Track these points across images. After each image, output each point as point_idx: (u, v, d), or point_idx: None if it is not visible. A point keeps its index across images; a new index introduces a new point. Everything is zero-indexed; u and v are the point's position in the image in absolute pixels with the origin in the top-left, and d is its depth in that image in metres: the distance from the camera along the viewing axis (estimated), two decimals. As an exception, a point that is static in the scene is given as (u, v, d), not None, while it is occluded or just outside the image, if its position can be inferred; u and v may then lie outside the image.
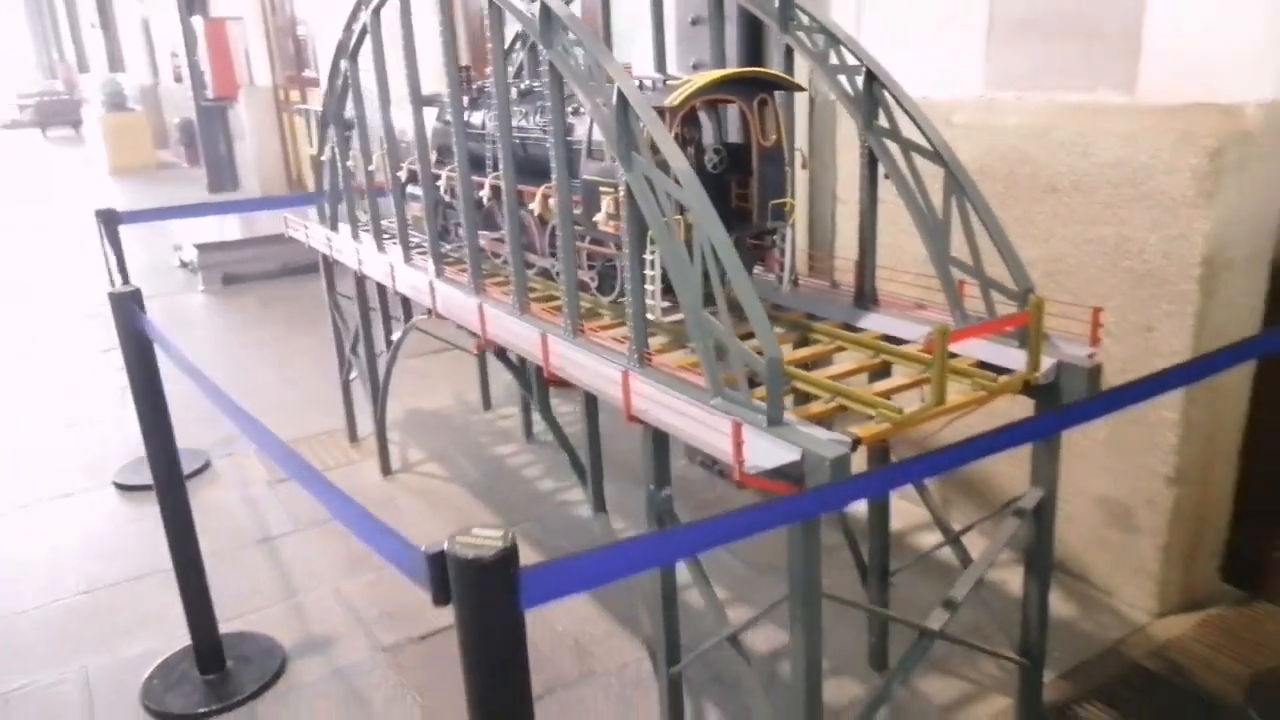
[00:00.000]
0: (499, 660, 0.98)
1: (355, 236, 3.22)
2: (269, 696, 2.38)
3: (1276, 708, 2.07)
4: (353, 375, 3.86)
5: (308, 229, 3.57)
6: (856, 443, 1.45)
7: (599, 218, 1.95)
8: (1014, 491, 1.97)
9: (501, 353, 2.50)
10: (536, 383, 2.53)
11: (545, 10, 1.80)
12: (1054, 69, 2.46)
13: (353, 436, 3.92)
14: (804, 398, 1.75)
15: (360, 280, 3.42)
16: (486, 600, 0.96)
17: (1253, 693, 2.14)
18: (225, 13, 10.22)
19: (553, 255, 2.34)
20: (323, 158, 3.29)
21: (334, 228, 3.37)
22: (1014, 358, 1.73)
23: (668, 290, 1.85)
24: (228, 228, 7.17)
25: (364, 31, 2.74)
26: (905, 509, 2.86)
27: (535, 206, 2.18)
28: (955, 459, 1.35)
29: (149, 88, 15.19)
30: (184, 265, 7.14)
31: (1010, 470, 2.67)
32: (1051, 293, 2.22)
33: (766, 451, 1.43)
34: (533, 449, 3.82)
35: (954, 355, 1.77)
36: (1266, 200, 2.24)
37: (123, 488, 3.60)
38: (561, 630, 2.54)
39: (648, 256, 1.77)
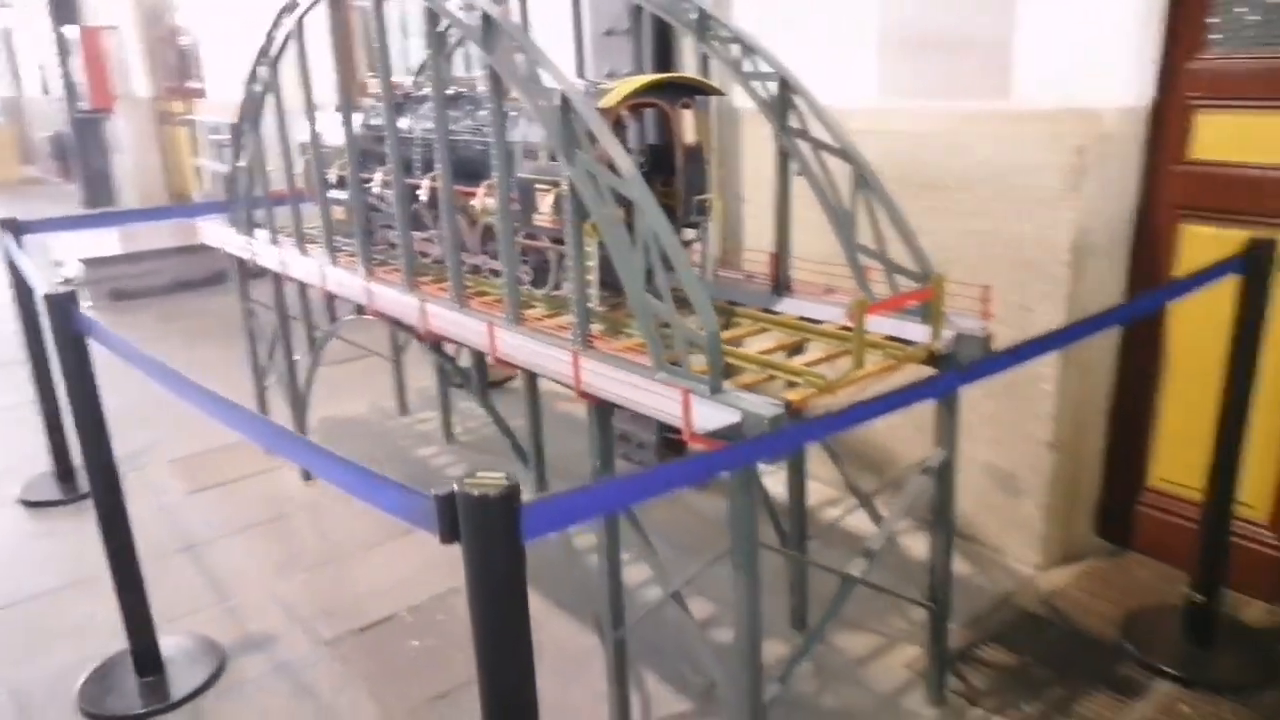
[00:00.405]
0: (503, 589, 1.10)
1: (274, 241, 3.25)
2: (212, 694, 2.40)
3: (1146, 640, 2.36)
4: (268, 383, 3.86)
5: (222, 236, 3.56)
6: (788, 405, 1.62)
7: (542, 214, 2.08)
8: (913, 487, 2.17)
9: (438, 349, 2.60)
10: (477, 374, 2.63)
11: (487, 19, 1.93)
12: (938, 80, 2.72)
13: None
14: (736, 373, 1.92)
15: (279, 286, 3.45)
16: (493, 534, 1.08)
17: (1126, 629, 2.42)
18: (100, 22, 9.86)
19: (485, 253, 2.46)
20: (240, 164, 3.31)
21: (251, 233, 3.38)
22: (919, 332, 1.94)
23: (602, 284, 2.00)
24: (110, 243, 6.90)
25: (288, 37, 2.80)
26: (817, 489, 3.07)
27: (478, 203, 2.29)
28: (872, 411, 1.54)
29: (11, 100, 14.44)
30: (67, 282, 6.86)
31: (913, 446, 2.92)
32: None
33: (711, 415, 1.58)
34: (454, 450, 3.89)
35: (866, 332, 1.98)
36: (1122, 192, 2.54)
37: (29, 504, 3.51)
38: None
39: (588, 248, 1.91)
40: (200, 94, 8.58)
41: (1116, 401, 2.74)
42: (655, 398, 1.66)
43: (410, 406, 4.30)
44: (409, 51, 5.44)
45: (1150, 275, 2.58)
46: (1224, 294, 2.14)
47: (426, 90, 2.68)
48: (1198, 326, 2.49)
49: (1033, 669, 2.30)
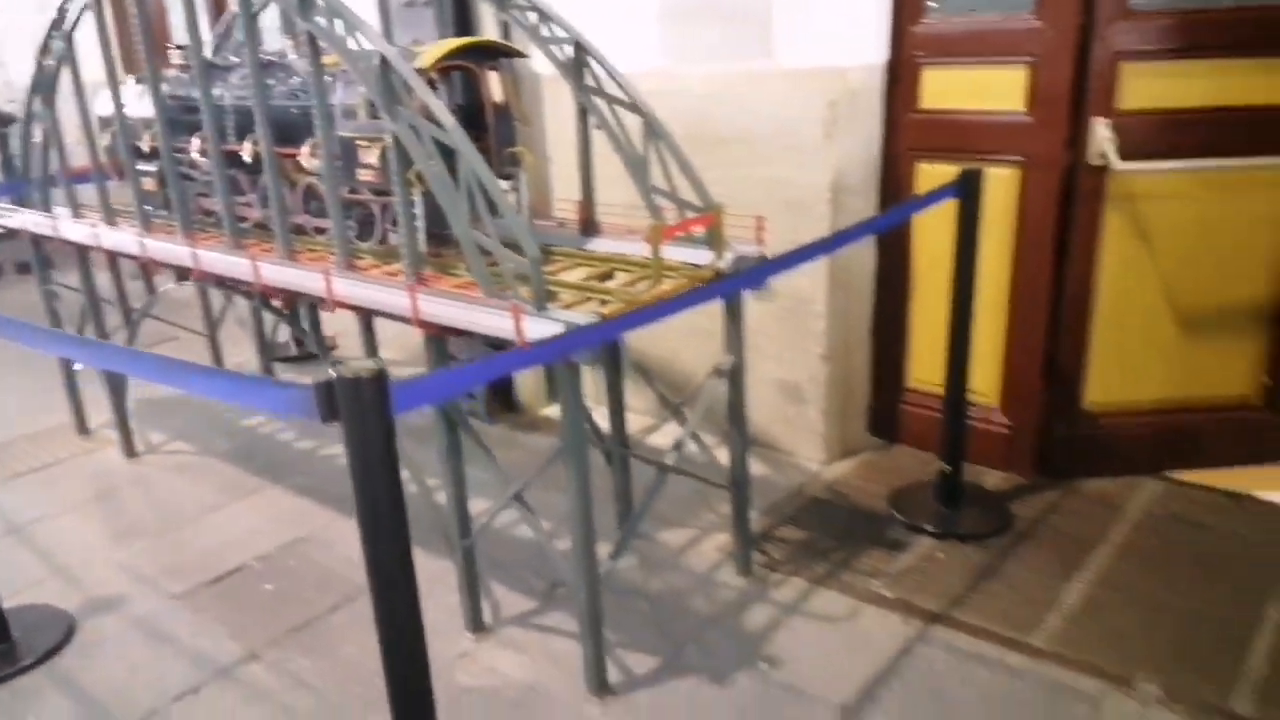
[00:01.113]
0: (379, 459, 1.33)
1: (76, 215, 3.22)
2: (68, 653, 2.45)
3: (908, 508, 2.85)
4: (77, 367, 3.78)
5: (18, 217, 3.46)
6: (602, 317, 1.92)
7: (366, 169, 2.26)
8: (712, 392, 2.53)
9: (266, 305, 2.71)
10: (313, 330, 2.76)
11: (302, -12, 2.09)
12: (713, 45, 3.09)
13: (82, 429, 3.83)
14: (556, 299, 2.20)
15: (85, 265, 3.41)
16: (367, 409, 1.30)
17: (893, 501, 2.91)
18: None
19: (307, 213, 2.60)
20: (34, 139, 3.24)
21: (49, 210, 3.32)
22: (707, 257, 2.29)
23: (428, 236, 2.22)
24: None
25: (84, 8, 2.80)
26: (635, 420, 3.40)
27: (306, 162, 2.44)
28: (667, 309, 1.87)
29: None
30: None
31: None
32: (727, 220, 2.84)
33: (539, 329, 1.85)
34: (284, 419, 3.96)
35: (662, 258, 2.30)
36: (870, 138, 3.00)
37: None
38: (353, 555, 2.81)
39: (414, 196, 2.13)
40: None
41: (876, 317, 3.23)
42: (490, 318, 1.91)
43: (231, 382, 4.30)
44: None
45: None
46: (950, 221, 2.61)
47: (232, 60, 2.79)
48: (933, 249, 2.98)
49: (820, 540, 2.74)
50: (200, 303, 4.31)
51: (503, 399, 3.79)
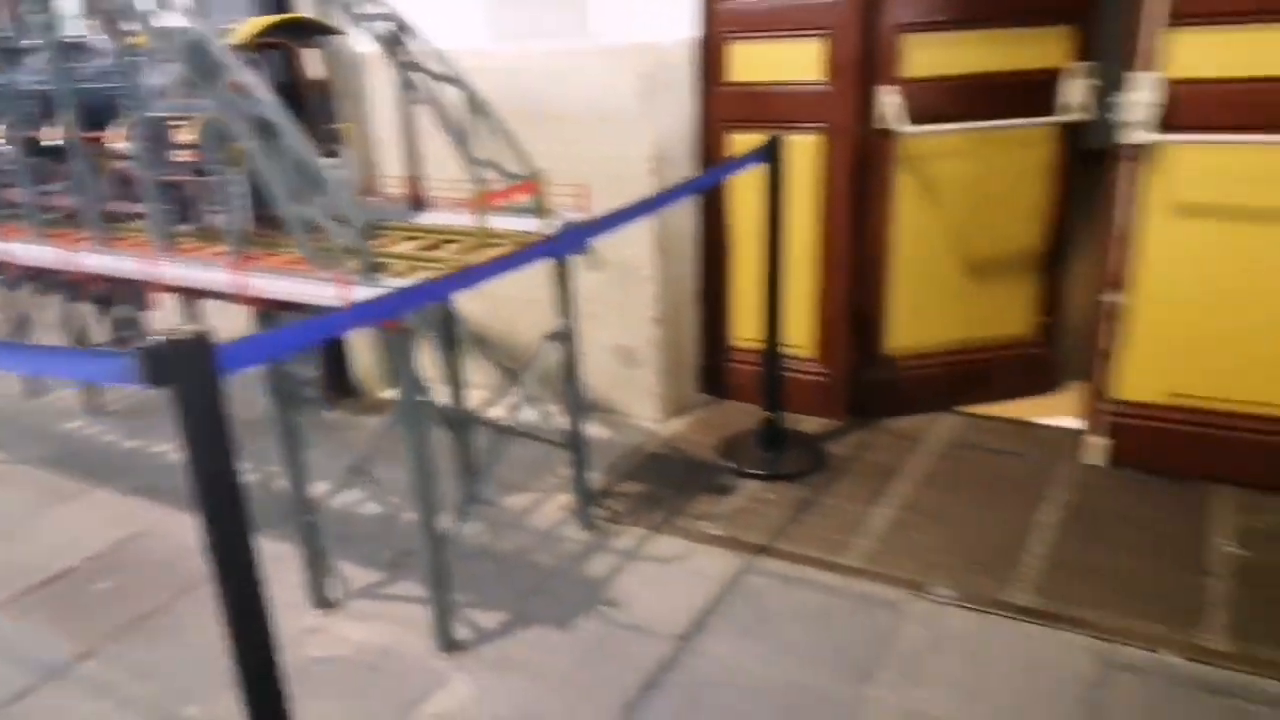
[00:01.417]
0: (209, 420, 1.37)
1: None
2: (-121, 668, 2.32)
3: (736, 455, 3.06)
4: None
5: None
6: (427, 281, 1.99)
7: (182, 148, 2.24)
8: (547, 358, 2.64)
9: (84, 299, 2.62)
10: (132, 327, 2.69)
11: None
12: (534, 23, 3.18)
13: None
14: (385, 270, 2.25)
15: None
16: (194, 372, 1.34)
17: (722, 451, 3.12)
18: None
19: (123, 198, 2.53)
20: None
21: None
22: (534, 225, 2.39)
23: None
24: None
25: None
26: (478, 395, 3.48)
27: (120, 146, 2.38)
28: (494, 270, 1.96)
29: None
30: None
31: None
32: (555, 191, 2.95)
33: (365, 295, 1.91)
34: (103, 421, 3.78)
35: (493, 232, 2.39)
36: (685, 112, 3.17)
37: None
38: (192, 543, 2.76)
39: (236, 176, 2.13)
40: None
41: (702, 280, 3.42)
42: (318, 289, 1.95)
43: (49, 385, 4.07)
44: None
45: (713, 177, 3.26)
46: (763, 188, 2.81)
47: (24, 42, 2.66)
48: (748, 215, 3.19)
49: (657, 492, 2.91)
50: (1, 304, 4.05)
51: (339, 384, 3.77)
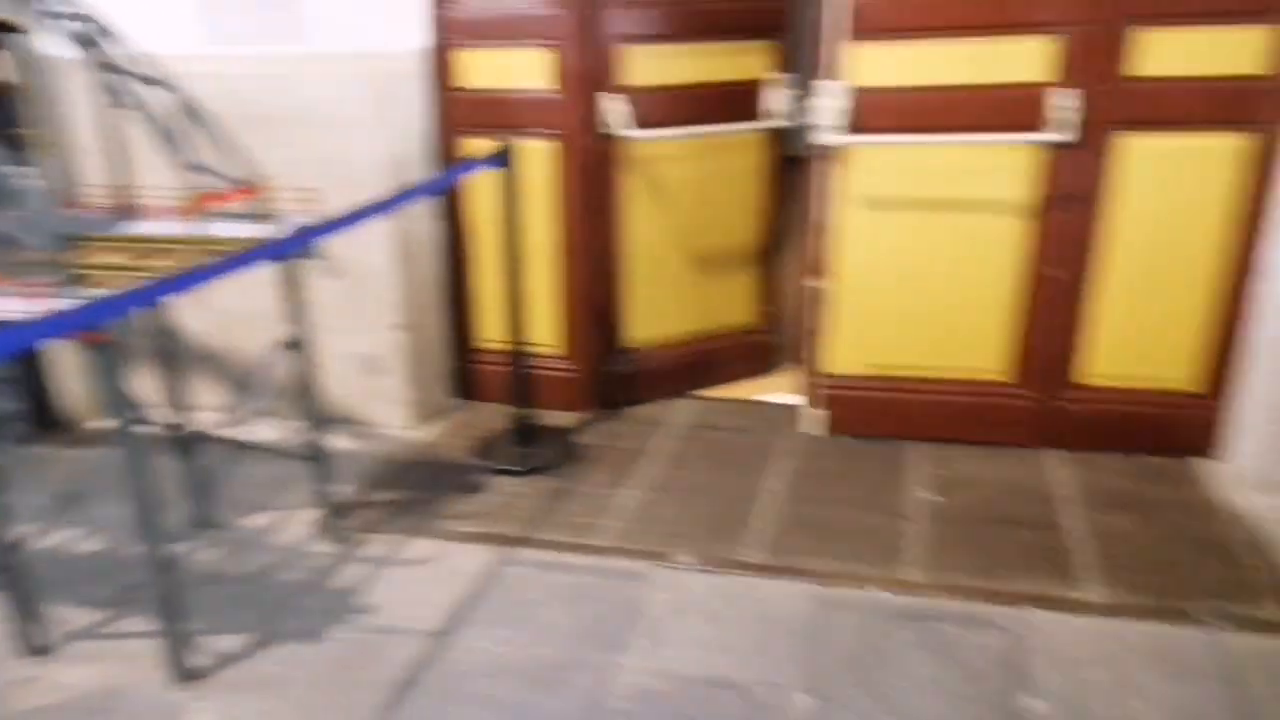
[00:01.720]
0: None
1: None
2: None
3: (489, 454, 3.10)
4: None
5: None
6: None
7: None
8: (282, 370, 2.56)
9: None
10: None
11: None
12: (250, 29, 3.06)
13: None
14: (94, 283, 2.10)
15: None
16: None
17: (476, 452, 3.15)
18: None
19: None
20: None
21: None
22: (257, 230, 2.32)
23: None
24: None
25: None
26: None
27: None
28: (215, 271, 1.89)
29: None
30: None
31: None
32: (285, 197, 2.86)
33: (62, 306, 1.78)
34: None
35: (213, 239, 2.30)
36: (418, 118, 3.18)
37: None
38: None
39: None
40: None
41: (448, 285, 3.43)
42: (11, 302, 1.79)
43: None
44: None
45: (449, 182, 3.28)
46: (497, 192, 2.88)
47: None
48: (486, 219, 3.24)
49: (410, 497, 2.89)
50: None
51: (43, 417, 3.43)
